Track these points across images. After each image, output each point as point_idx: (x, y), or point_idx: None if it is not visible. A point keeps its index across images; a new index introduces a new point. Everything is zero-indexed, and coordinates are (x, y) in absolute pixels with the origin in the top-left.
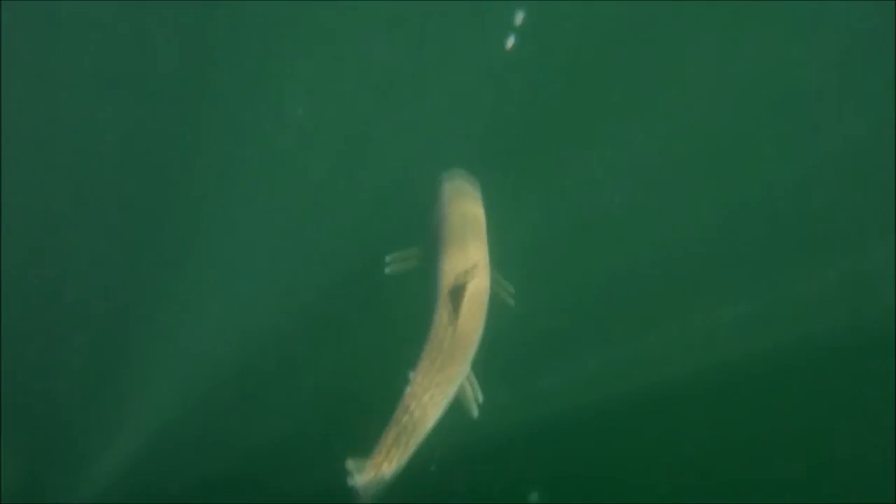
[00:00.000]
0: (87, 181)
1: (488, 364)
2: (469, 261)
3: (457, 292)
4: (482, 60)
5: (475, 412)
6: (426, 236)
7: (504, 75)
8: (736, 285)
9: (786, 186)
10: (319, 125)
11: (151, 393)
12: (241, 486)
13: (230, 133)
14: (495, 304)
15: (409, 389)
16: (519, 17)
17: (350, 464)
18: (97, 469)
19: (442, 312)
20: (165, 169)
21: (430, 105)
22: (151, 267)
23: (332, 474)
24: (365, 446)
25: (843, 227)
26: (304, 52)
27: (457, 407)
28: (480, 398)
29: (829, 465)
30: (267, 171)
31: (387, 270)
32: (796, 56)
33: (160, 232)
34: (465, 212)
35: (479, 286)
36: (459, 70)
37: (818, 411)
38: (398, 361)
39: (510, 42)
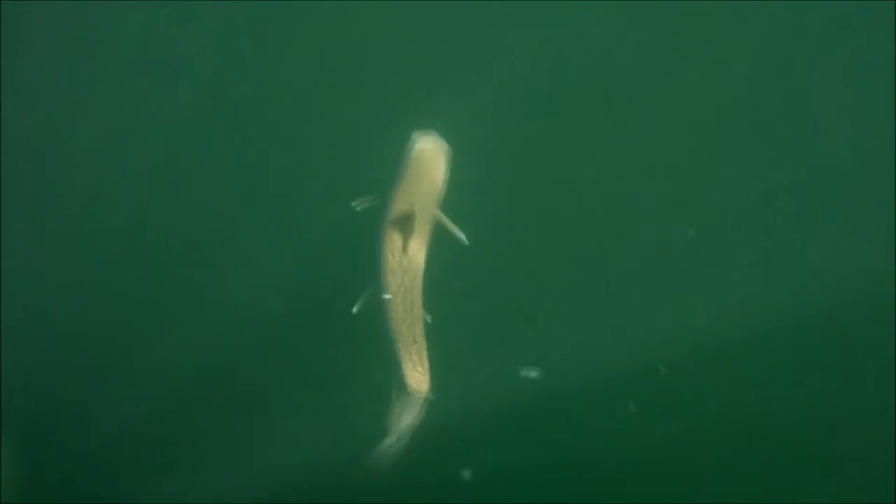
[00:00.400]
0: (89, 179)
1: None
2: (415, 204)
3: (402, 222)
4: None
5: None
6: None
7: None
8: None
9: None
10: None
11: (153, 391)
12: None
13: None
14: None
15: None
16: None
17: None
18: (97, 468)
19: (391, 241)
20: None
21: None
22: (155, 265)
23: None
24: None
25: (843, 230)
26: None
27: None
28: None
29: (829, 465)
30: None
31: (355, 205)
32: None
33: (163, 228)
34: (424, 165)
35: (422, 218)
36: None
37: (817, 410)
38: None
39: None
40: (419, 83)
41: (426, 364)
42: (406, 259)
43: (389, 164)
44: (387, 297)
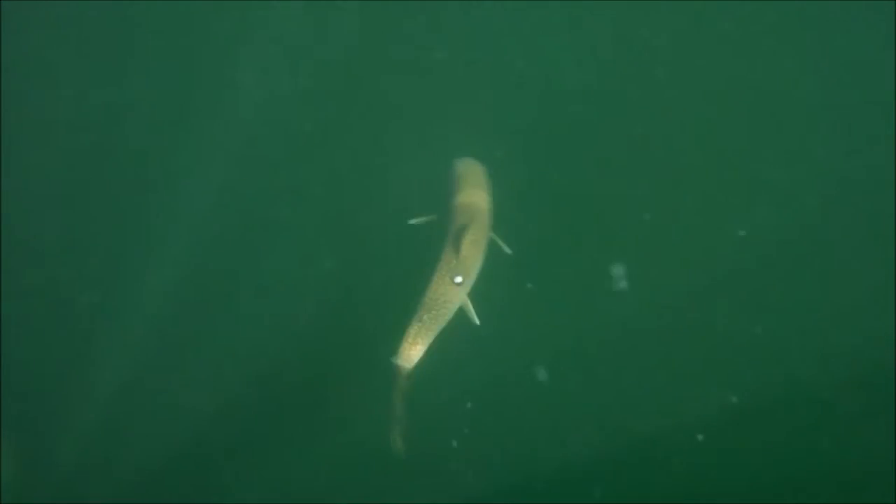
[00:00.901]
0: (89, 179)
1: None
2: (472, 217)
3: (461, 231)
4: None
5: (476, 321)
6: (442, 207)
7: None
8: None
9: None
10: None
11: (153, 390)
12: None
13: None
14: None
15: (427, 294)
16: None
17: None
18: (97, 468)
19: (450, 245)
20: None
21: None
22: (156, 265)
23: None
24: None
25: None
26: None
27: None
28: (477, 321)
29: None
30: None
31: (411, 222)
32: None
33: (168, 227)
34: (473, 188)
35: (479, 231)
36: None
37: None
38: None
39: None
40: (457, 114)
41: (424, 344)
42: (458, 259)
43: (435, 188)
44: (457, 279)
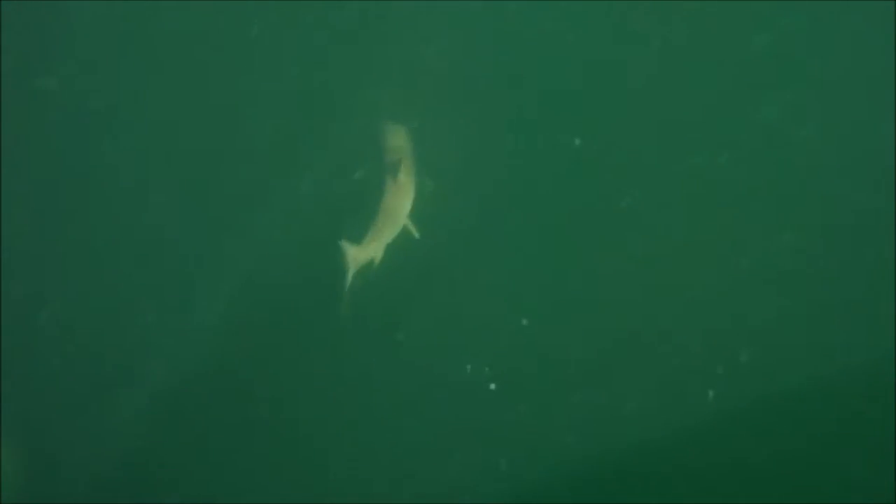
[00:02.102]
0: (90, 182)
1: None
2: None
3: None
4: None
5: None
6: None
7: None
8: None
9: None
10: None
11: (154, 390)
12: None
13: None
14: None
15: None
16: None
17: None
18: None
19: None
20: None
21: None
22: (156, 265)
23: None
24: None
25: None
26: None
27: None
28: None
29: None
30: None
31: (356, 177)
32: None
33: (165, 229)
34: (396, 138)
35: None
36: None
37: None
38: None
39: None
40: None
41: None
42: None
43: (371, 146)
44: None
